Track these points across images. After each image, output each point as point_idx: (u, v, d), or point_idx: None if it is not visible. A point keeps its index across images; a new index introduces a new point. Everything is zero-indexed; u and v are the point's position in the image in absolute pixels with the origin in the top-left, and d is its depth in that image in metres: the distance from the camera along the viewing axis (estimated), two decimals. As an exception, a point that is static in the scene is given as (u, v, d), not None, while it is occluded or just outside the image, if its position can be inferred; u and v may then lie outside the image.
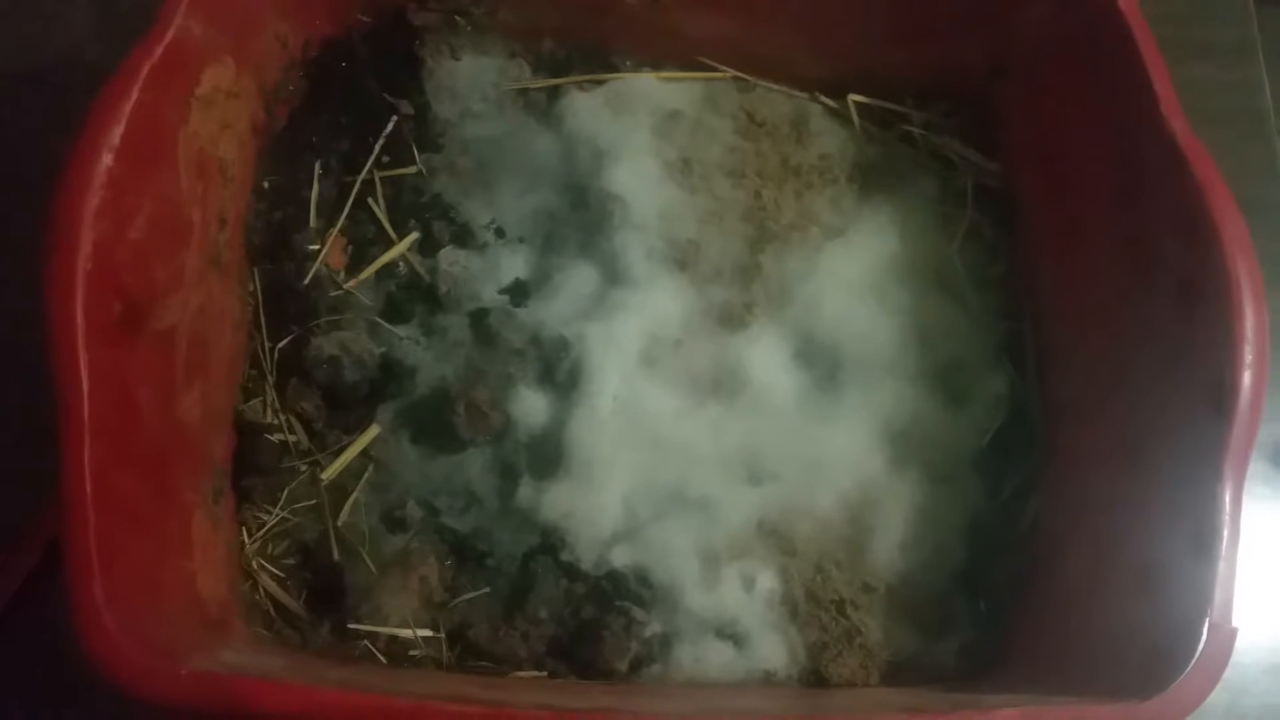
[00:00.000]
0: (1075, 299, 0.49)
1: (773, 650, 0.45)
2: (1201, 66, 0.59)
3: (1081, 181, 0.48)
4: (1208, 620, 0.36)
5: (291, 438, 0.47)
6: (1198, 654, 0.35)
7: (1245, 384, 0.38)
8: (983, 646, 0.46)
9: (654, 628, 0.45)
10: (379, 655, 0.44)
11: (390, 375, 0.48)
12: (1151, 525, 0.40)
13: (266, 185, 0.49)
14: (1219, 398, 0.38)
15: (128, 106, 0.37)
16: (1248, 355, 0.38)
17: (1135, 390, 0.44)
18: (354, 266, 0.50)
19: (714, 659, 0.45)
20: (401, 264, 0.50)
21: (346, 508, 0.46)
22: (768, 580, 0.46)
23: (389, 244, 0.50)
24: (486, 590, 0.45)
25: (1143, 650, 0.38)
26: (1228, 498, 0.37)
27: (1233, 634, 0.36)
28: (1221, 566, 0.37)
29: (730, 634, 0.45)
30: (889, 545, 0.47)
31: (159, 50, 0.38)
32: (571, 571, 0.46)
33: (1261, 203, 0.47)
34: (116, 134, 0.36)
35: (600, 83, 0.54)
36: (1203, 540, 0.37)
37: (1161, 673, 0.36)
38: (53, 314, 0.34)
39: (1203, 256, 0.40)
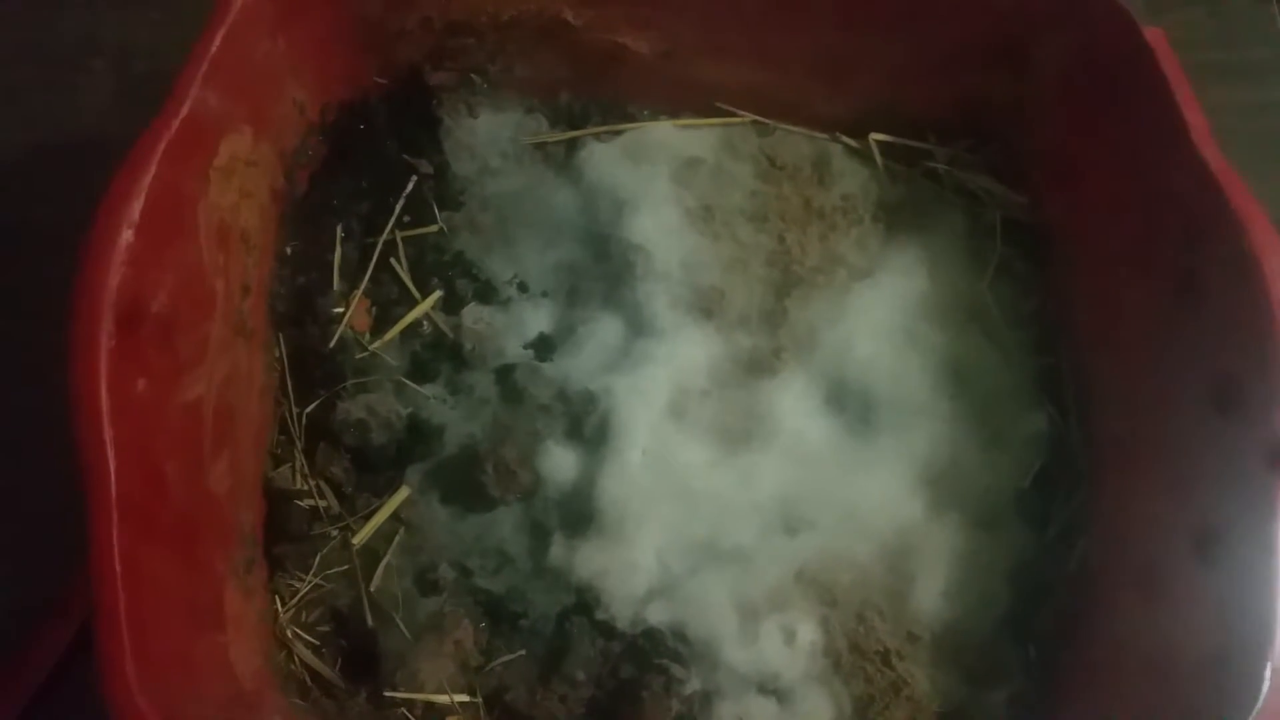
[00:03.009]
0: (1112, 330, 0.48)
1: (818, 705, 0.45)
2: (1231, 90, 0.58)
3: (1113, 211, 0.48)
4: (1269, 665, 0.35)
5: (322, 503, 0.47)
6: (1261, 700, 0.34)
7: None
8: (1034, 694, 0.45)
9: (694, 685, 0.44)
10: (416, 723, 0.43)
11: (418, 436, 0.48)
12: (1203, 565, 0.39)
13: (289, 251, 0.49)
14: (1267, 433, 0.37)
15: (146, 181, 0.37)
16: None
17: (1180, 422, 0.43)
18: (378, 328, 0.50)
19: (758, 716, 0.44)
20: (425, 323, 0.50)
21: (379, 572, 0.46)
22: (809, 632, 0.45)
23: (412, 304, 0.50)
24: (522, 653, 0.45)
25: (1202, 696, 0.37)
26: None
27: (1297, 677, 0.35)
28: (1280, 606, 0.36)
29: (773, 689, 0.45)
30: (932, 592, 0.46)
31: (175, 123, 0.38)
32: (607, 630, 0.45)
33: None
34: (136, 209, 0.36)
35: (618, 133, 0.54)
36: (1260, 582, 0.36)
37: (1223, 720, 0.35)
38: (77, 390, 0.34)
39: (1241, 281, 0.39)
